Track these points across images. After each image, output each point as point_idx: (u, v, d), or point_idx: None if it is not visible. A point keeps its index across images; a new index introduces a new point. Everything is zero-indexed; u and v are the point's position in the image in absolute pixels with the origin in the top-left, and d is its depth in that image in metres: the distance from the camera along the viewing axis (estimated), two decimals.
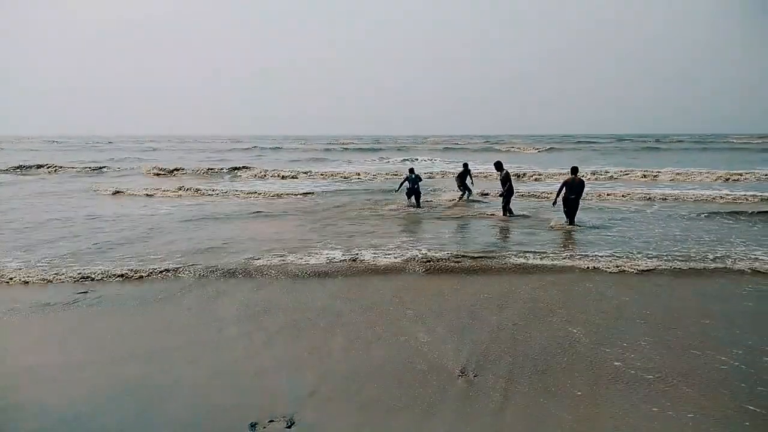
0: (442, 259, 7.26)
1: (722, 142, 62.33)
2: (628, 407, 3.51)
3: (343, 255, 7.59)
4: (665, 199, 14.09)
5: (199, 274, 6.58)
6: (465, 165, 14.62)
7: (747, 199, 13.72)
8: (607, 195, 14.76)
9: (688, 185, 17.63)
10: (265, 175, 22.77)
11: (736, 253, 7.68)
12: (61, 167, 26.13)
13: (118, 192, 16.44)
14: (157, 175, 23.47)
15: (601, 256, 7.46)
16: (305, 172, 23.08)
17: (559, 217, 10.39)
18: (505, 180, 11.18)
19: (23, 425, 3.39)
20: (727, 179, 19.14)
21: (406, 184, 13.17)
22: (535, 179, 20.63)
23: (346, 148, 51.49)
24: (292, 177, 21.87)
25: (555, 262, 7.22)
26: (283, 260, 7.32)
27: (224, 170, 24.57)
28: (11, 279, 6.51)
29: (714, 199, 13.98)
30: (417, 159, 33.49)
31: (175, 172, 23.97)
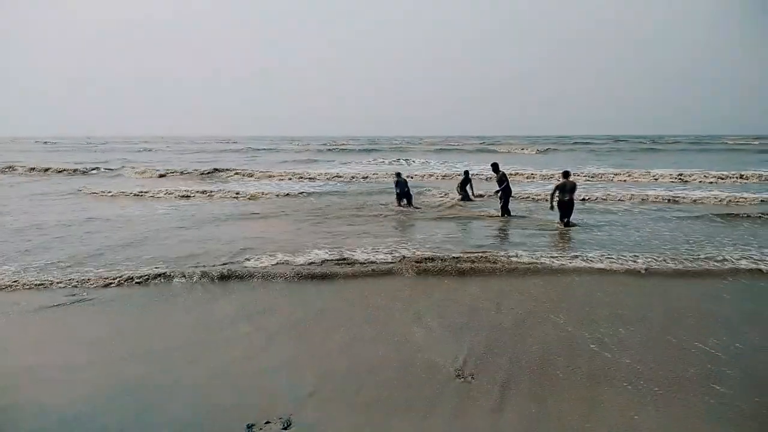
0: (439, 259, 7.31)
1: (719, 143, 62.56)
2: (626, 407, 3.57)
3: (338, 256, 7.63)
4: (668, 201, 14.12)
5: (196, 276, 6.60)
6: (466, 173, 14.78)
7: (739, 202, 13.84)
8: (603, 198, 14.81)
9: (683, 186, 17.71)
10: (252, 175, 22.42)
11: (728, 252, 7.75)
12: (33, 168, 24.93)
13: (96, 194, 16.25)
14: (141, 176, 23.09)
15: (598, 257, 7.53)
16: (298, 174, 22.72)
17: (557, 219, 10.51)
18: (502, 181, 11.29)
19: (23, 425, 3.43)
20: (720, 179, 19.29)
21: (396, 189, 13.24)
22: (532, 180, 20.68)
23: (344, 149, 51.41)
24: (288, 178, 21.67)
25: (552, 262, 7.29)
26: (279, 261, 7.35)
27: (213, 171, 24.00)
28: (14, 283, 6.52)
29: (708, 200, 14.10)
30: (413, 161, 33.18)
31: (159, 173, 23.47)
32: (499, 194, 11.45)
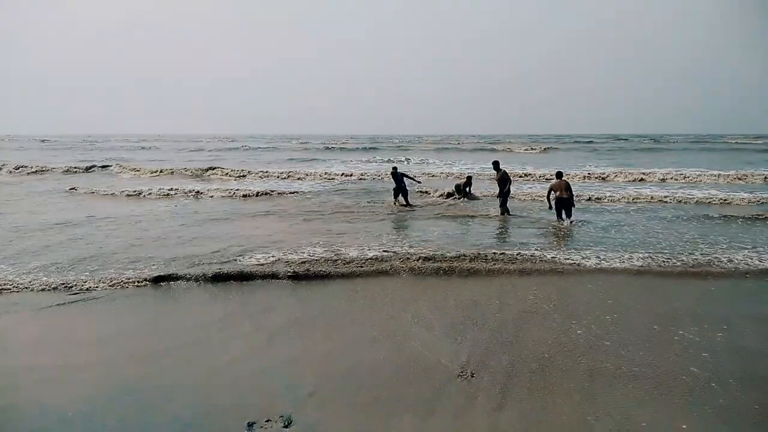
0: (439, 258, 7.31)
1: (720, 142, 62.60)
2: (627, 407, 3.56)
3: (337, 255, 7.62)
4: (680, 202, 14.06)
5: (195, 276, 6.59)
6: (469, 177, 14.92)
7: (738, 203, 13.84)
8: (600, 197, 14.78)
9: (680, 186, 17.72)
10: (249, 174, 22.29)
11: (727, 253, 7.76)
12: (23, 166, 24.73)
13: (92, 193, 16.25)
14: (134, 174, 22.98)
15: (598, 256, 7.54)
16: (297, 173, 22.61)
17: (553, 217, 10.70)
18: (504, 180, 11.28)
19: (23, 425, 3.42)
20: (716, 179, 19.27)
21: (392, 183, 13.20)
22: (529, 179, 20.67)
23: (344, 148, 51.38)
24: (287, 177, 21.59)
25: (553, 260, 7.29)
26: (277, 260, 7.34)
27: (209, 170, 23.76)
28: (11, 283, 6.51)
29: (708, 200, 14.11)
30: (413, 159, 33.04)
31: (152, 172, 23.41)
32: (501, 193, 11.41)
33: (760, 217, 11.06)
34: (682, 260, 7.39)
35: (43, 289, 6.21)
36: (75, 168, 25.09)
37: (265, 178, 21.37)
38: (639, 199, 14.45)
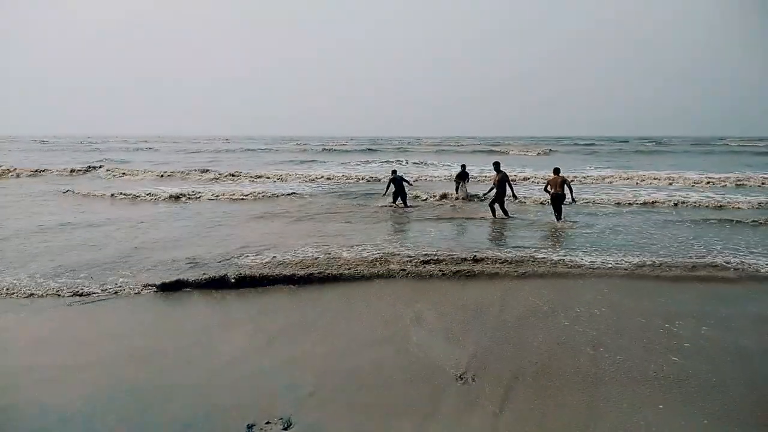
0: (438, 261, 7.32)
1: (721, 144, 62.65)
2: (628, 410, 3.57)
3: (336, 256, 7.63)
4: (675, 205, 14.11)
5: (194, 277, 6.59)
6: (463, 166, 15.11)
7: (736, 206, 13.85)
8: (601, 201, 14.82)
9: (680, 189, 17.74)
10: (247, 175, 22.15)
11: (725, 255, 7.78)
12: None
13: (85, 195, 16.09)
14: (122, 176, 22.85)
15: (598, 258, 7.55)
16: (296, 174, 22.51)
17: (552, 218, 10.96)
18: (502, 181, 11.27)
19: (23, 425, 3.43)
20: (711, 182, 19.27)
21: (392, 187, 13.21)
22: (531, 181, 20.67)
23: (343, 150, 51.39)
24: (285, 179, 21.44)
25: (551, 262, 7.30)
26: (275, 262, 7.32)
27: (206, 171, 23.65)
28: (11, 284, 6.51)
29: (705, 203, 14.12)
30: (412, 161, 33.03)
31: (151, 174, 23.31)
32: (504, 194, 11.41)
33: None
34: (681, 262, 7.40)
35: (42, 295, 6.18)
36: (73, 169, 24.95)
37: (262, 181, 21.22)
38: (636, 201, 14.47)
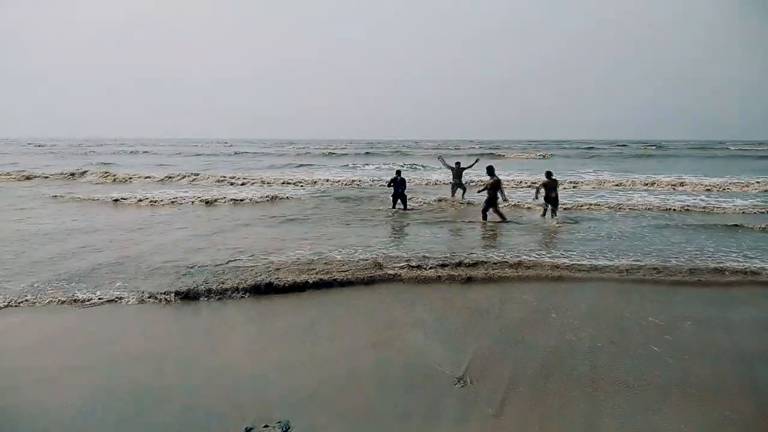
0: (434, 265, 7.31)
1: (721, 148, 62.64)
2: (628, 413, 3.57)
3: (334, 259, 7.63)
4: (674, 209, 14.08)
5: (193, 279, 6.59)
6: (457, 164, 15.21)
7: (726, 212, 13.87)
8: (600, 204, 14.83)
9: (680, 193, 17.76)
10: (245, 180, 21.93)
11: (727, 259, 7.77)
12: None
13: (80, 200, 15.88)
14: (112, 180, 22.62)
15: (596, 262, 7.54)
16: (295, 179, 22.43)
17: (546, 218, 11.50)
18: (494, 186, 11.28)
19: (23, 425, 3.43)
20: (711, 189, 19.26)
21: (393, 188, 13.24)
22: (527, 186, 20.69)
23: (343, 153, 51.43)
24: (284, 183, 21.39)
25: (550, 265, 7.29)
26: (274, 266, 7.28)
27: (203, 173, 23.44)
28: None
29: (704, 208, 14.11)
30: (411, 165, 32.96)
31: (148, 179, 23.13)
32: (496, 198, 11.43)
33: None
34: (679, 266, 7.40)
35: (42, 301, 6.16)
36: (70, 173, 24.91)
37: (260, 184, 21.12)
38: (635, 204, 14.48)
